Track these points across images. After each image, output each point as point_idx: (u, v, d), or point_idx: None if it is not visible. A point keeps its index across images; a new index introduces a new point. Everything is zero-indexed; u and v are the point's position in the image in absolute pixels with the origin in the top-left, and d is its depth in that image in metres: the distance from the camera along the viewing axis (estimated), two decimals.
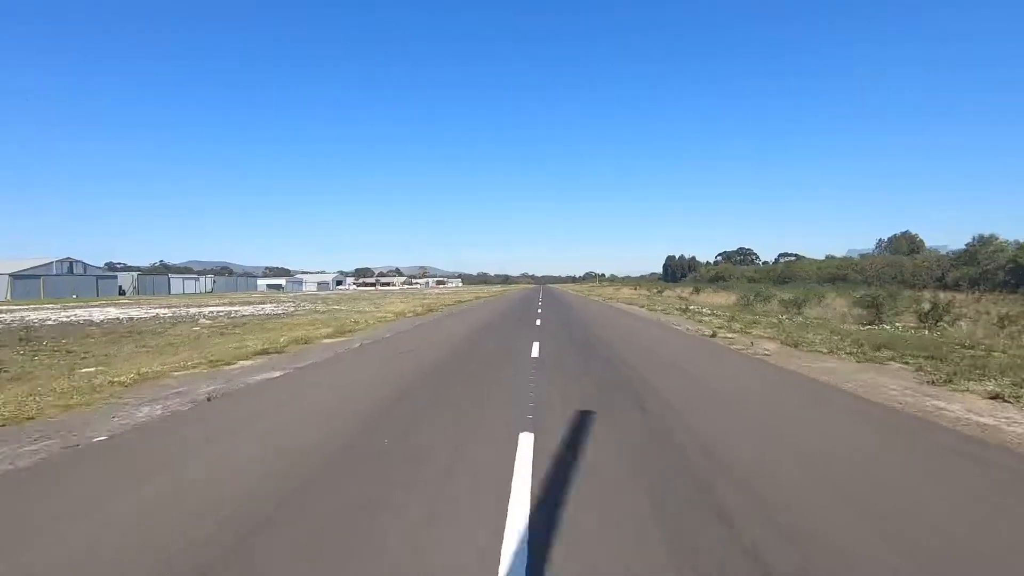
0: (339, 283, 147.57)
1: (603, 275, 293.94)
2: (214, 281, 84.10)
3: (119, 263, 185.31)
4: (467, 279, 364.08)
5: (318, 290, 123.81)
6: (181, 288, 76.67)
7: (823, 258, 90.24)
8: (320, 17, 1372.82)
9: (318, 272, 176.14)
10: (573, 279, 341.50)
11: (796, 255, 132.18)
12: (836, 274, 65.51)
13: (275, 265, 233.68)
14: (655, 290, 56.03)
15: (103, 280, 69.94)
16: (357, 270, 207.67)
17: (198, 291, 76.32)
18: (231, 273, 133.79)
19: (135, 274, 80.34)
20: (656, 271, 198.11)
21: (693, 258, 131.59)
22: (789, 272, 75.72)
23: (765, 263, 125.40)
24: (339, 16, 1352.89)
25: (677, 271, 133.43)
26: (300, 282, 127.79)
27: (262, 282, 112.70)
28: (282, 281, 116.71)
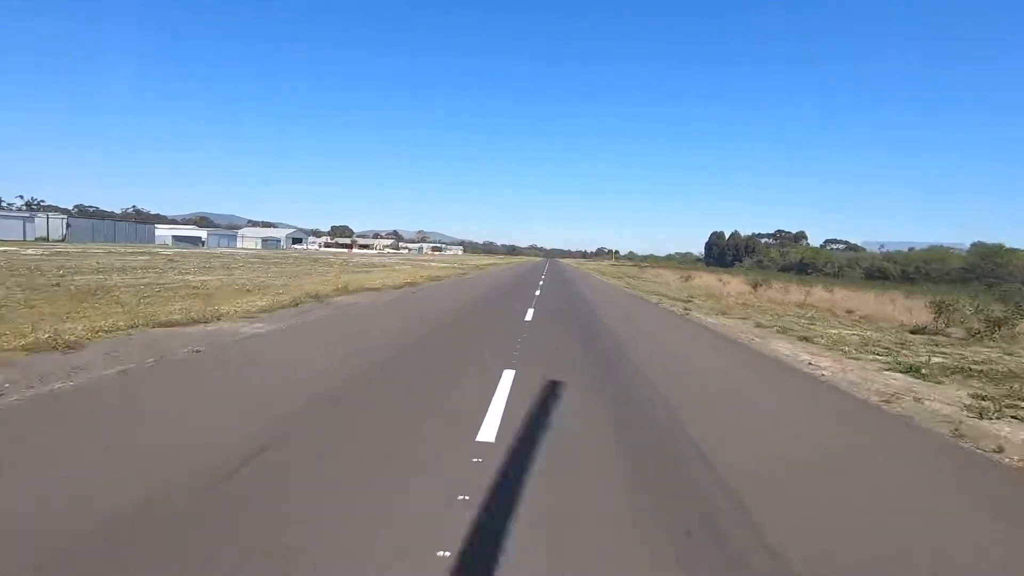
0: (296, 241, 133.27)
1: (617, 252, 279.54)
2: (67, 225, 67.98)
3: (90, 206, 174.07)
4: (472, 247, 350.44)
5: (262, 248, 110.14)
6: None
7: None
8: None
9: (269, 225, 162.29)
10: (584, 254, 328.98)
11: (846, 242, 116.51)
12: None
13: (253, 218, 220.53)
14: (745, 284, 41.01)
15: None
16: (333, 228, 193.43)
17: (31, 236, 60.28)
18: (106, 217, 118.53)
19: None
20: (692, 251, 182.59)
21: (752, 236, 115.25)
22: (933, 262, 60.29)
23: (824, 246, 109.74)
24: None
25: (727, 252, 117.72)
26: (233, 236, 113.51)
27: (167, 232, 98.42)
28: (202, 234, 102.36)
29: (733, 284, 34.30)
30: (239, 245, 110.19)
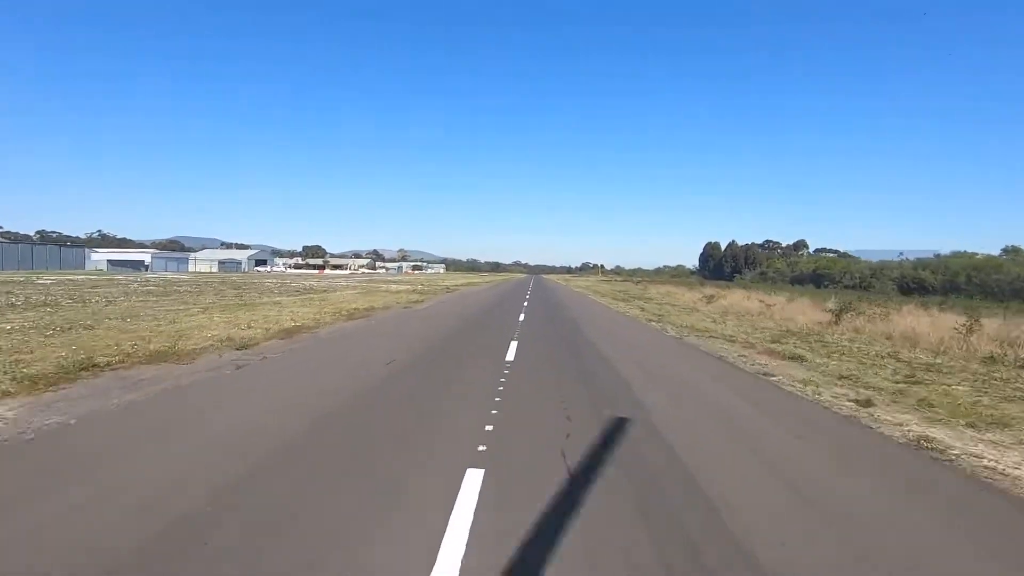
0: (260, 263, 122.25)
1: (602, 266, 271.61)
2: None
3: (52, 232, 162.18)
4: (455, 265, 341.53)
5: (218, 270, 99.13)
6: None
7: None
8: None
9: (243, 247, 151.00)
10: (569, 270, 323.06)
11: (835, 251, 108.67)
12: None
13: (223, 239, 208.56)
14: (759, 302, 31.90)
15: None
16: (305, 248, 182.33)
17: None
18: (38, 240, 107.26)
19: None
20: (684, 263, 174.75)
21: (752, 246, 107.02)
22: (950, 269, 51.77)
23: (819, 252, 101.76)
24: None
25: (724, 264, 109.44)
26: (184, 260, 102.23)
27: (103, 255, 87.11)
28: (145, 257, 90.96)
29: (786, 308, 24.90)
30: (191, 268, 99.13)
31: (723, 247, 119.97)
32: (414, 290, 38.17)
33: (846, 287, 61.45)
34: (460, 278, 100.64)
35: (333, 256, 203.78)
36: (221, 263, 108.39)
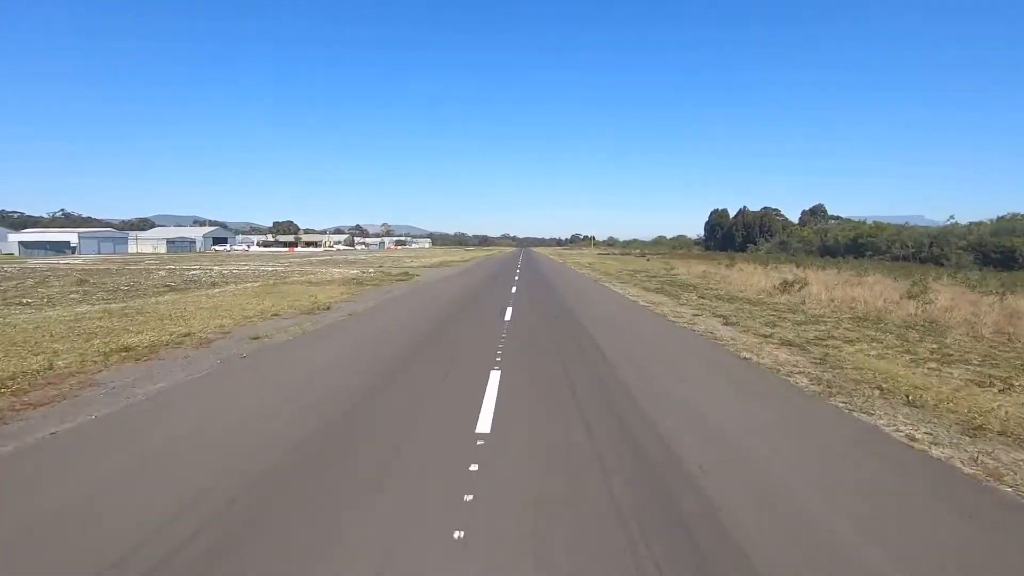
0: (219, 241, 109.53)
1: (594, 238, 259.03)
2: None
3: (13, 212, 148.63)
4: (442, 240, 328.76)
5: (167, 251, 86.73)
6: None
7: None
8: None
9: (206, 224, 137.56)
10: (559, 242, 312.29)
11: (836, 217, 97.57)
12: None
13: (208, 217, 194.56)
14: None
15: None
16: (276, 224, 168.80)
17: None
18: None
19: None
20: (685, 233, 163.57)
21: (768, 211, 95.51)
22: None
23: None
24: None
25: (735, 233, 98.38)
26: (122, 239, 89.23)
27: (26, 236, 74.59)
28: (71, 237, 77.97)
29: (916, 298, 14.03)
30: (132, 250, 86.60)
31: (731, 215, 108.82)
32: (354, 279, 26.91)
33: (897, 258, 50.95)
34: (441, 254, 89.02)
35: (310, 232, 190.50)
36: (171, 242, 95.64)
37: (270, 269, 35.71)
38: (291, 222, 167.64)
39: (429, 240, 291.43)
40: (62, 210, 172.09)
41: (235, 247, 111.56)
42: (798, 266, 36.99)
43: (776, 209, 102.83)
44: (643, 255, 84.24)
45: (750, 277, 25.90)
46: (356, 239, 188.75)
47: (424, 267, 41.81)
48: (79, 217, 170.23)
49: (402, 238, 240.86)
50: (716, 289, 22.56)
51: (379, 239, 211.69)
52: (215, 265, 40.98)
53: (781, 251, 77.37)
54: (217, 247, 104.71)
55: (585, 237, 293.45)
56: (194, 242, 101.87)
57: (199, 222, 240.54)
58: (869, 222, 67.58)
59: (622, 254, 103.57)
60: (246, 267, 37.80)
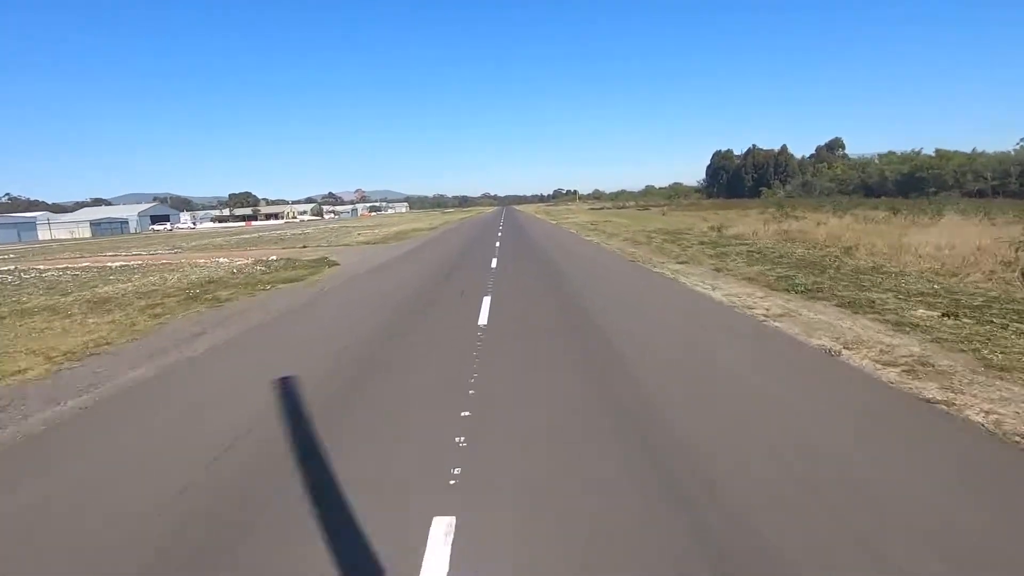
0: (159, 220, 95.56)
1: (575, 192, 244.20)
2: None
3: None
4: (421, 203, 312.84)
5: (95, 234, 73.50)
6: None
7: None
8: None
9: (161, 202, 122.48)
10: (541, 198, 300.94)
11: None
12: None
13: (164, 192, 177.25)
14: None
15: None
16: (232, 196, 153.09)
17: None
18: None
19: None
20: (679, 181, 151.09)
21: (784, 151, 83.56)
22: None
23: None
24: None
25: (743, 176, 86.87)
26: (30, 225, 75.31)
27: None
28: None
29: None
30: (43, 236, 73.15)
31: (736, 156, 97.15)
32: (211, 282, 15.53)
33: (967, 194, 40.24)
34: (411, 220, 77.03)
35: (279, 203, 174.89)
36: (96, 225, 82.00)
37: (139, 263, 23.78)
38: (249, 193, 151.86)
39: (406, 204, 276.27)
40: (7, 194, 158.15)
41: (179, 225, 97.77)
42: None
43: (783, 146, 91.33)
44: (644, 208, 72.90)
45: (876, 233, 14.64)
46: (327, 208, 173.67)
47: (368, 243, 30.21)
48: (24, 200, 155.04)
49: (376, 204, 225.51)
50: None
51: (351, 207, 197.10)
52: (122, 254, 28.95)
53: (804, 194, 66.60)
54: (156, 226, 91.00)
55: (568, 192, 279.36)
56: (126, 222, 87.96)
57: (159, 198, 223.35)
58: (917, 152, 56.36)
59: (616, 207, 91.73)
60: (139, 260, 25.80)
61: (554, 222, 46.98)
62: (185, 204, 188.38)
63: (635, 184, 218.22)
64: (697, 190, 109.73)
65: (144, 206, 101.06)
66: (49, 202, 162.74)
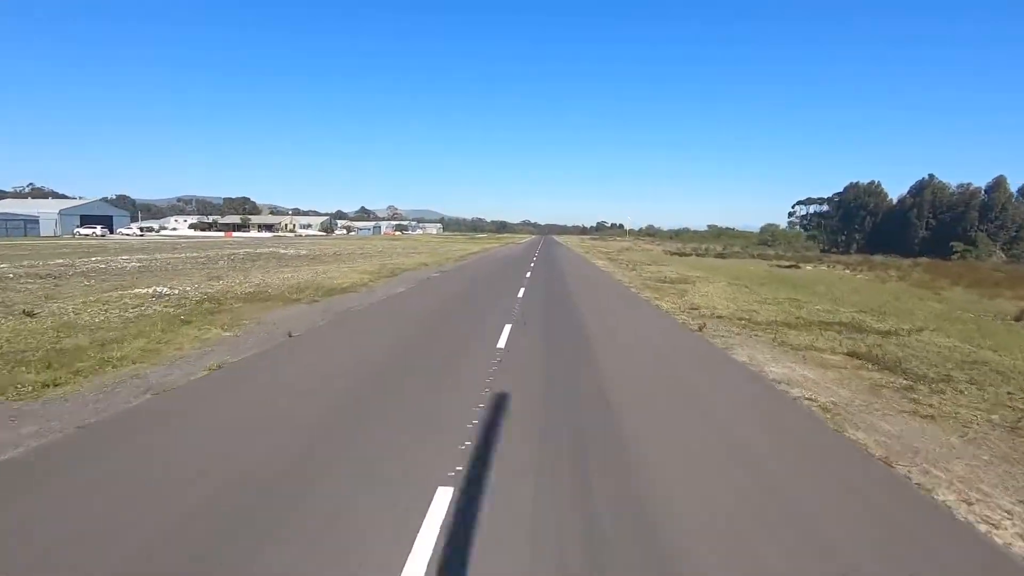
0: (91, 222, 73.06)
1: (621, 226, 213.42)
2: None
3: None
4: (456, 225, 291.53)
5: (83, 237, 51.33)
6: None
7: None
8: None
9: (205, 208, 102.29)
10: (583, 230, 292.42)
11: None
12: None
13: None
14: None
15: None
16: (227, 200, 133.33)
17: None
18: None
19: None
20: (747, 225, 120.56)
21: (1001, 186, 54.01)
22: None
23: None
24: None
25: (917, 220, 57.50)
26: None
27: None
28: None
29: None
30: None
31: (886, 192, 67.90)
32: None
33: None
34: (433, 245, 51.82)
35: (284, 214, 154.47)
36: (78, 224, 60.44)
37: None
38: (247, 199, 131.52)
39: (439, 226, 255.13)
40: (31, 184, 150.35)
41: (124, 231, 75.86)
42: None
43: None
44: (743, 254, 45.16)
45: None
46: (340, 223, 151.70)
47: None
48: (46, 191, 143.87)
49: (403, 223, 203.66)
50: None
51: (374, 223, 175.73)
52: None
53: None
54: (83, 230, 68.89)
55: (612, 225, 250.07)
56: (36, 222, 66.17)
57: (184, 199, 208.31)
58: None
59: (695, 252, 61.41)
60: None
61: (622, 276, 20.00)
62: (102, 203, 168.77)
63: (696, 222, 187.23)
64: (806, 234, 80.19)
65: (66, 203, 79.00)
66: (70, 194, 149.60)
